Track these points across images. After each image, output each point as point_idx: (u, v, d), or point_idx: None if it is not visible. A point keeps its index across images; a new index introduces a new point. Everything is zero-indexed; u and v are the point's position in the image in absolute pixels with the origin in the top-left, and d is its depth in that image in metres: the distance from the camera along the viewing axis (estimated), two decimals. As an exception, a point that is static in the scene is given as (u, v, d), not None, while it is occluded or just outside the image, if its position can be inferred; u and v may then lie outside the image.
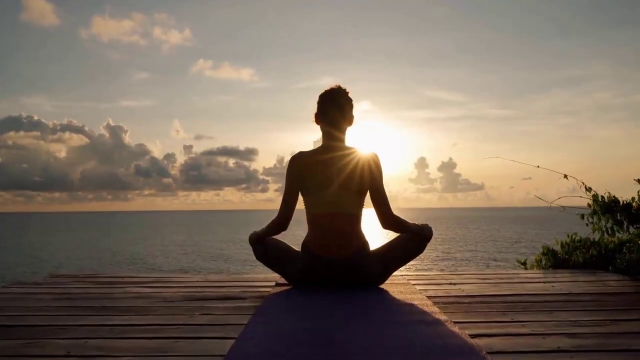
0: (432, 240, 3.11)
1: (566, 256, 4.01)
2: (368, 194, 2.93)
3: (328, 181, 2.85)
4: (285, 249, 3.05)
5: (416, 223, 3.06)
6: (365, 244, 2.90)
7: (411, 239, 3.01)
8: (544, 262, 4.11)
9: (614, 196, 3.73)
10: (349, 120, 2.97)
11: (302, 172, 2.89)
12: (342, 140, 2.95)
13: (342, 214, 2.84)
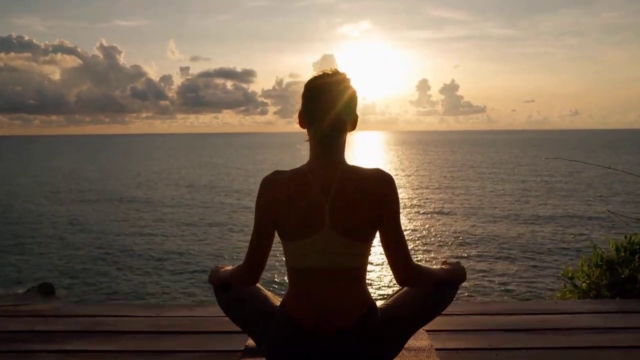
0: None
1: (623, 268, 3.12)
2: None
3: (316, 220, 1.87)
4: (261, 304, 2.12)
5: (444, 265, 2.15)
6: (372, 308, 1.98)
7: (436, 288, 2.10)
8: (597, 274, 3.23)
9: None
10: (351, 122, 1.96)
11: (277, 205, 1.91)
12: (340, 155, 1.95)
13: (339, 271, 1.89)
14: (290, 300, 1.96)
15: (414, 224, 21.22)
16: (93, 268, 15.56)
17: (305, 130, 1.96)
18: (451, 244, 17.20)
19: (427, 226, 20.53)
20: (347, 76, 1.93)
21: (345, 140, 1.95)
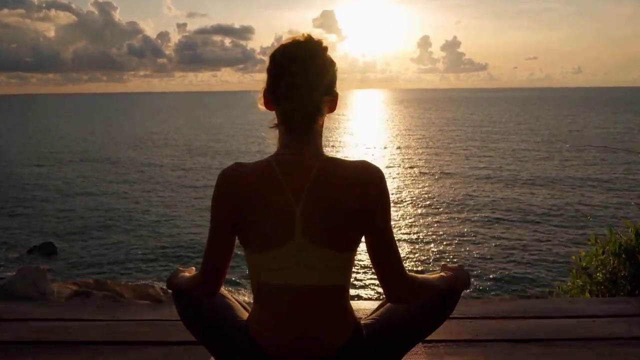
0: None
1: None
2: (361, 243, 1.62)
3: (285, 228, 1.51)
4: (226, 316, 1.77)
5: (444, 272, 1.79)
6: (358, 330, 1.64)
7: (435, 298, 1.76)
8: (615, 263, 2.89)
9: None
10: (330, 102, 1.57)
11: (238, 206, 1.54)
12: (315, 144, 1.57)
13: (315, 289, 1.54)
14: (256, 321, 1.61)
15: (411, 186, 20.93)
16: (91, 230, 15.43)
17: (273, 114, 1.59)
18: (448, 207, 16.91)
19: (425, 189, 20.23)
20: (324, 43, 1.54)
21: (322, 125, 1.57)
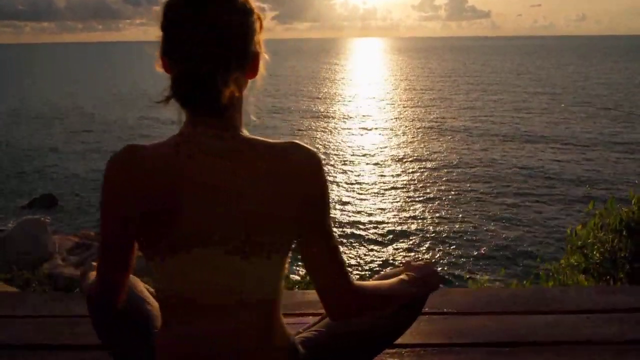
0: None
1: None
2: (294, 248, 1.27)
3: (195, 227, 1.16)
4: (140, 325, 1.45)
5: (405, 274, 1.45)
6: (293, 352, 1.32)
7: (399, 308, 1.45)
8: (614, 241, 2.56)
9: None
10: (248, 63, 1.19)
11: (134, 202, 1.18)
12: (230, 121, 1.19)
13: (235, 304, 1.20)
14: (162, 340, 1.29)
15: (405, 142, 20.55)
16: (91, 184, 15.31)
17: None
18: (439, 167, 16.53)
19: (420, 145, 19.84)
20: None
21: (240, 95, 1.19)
